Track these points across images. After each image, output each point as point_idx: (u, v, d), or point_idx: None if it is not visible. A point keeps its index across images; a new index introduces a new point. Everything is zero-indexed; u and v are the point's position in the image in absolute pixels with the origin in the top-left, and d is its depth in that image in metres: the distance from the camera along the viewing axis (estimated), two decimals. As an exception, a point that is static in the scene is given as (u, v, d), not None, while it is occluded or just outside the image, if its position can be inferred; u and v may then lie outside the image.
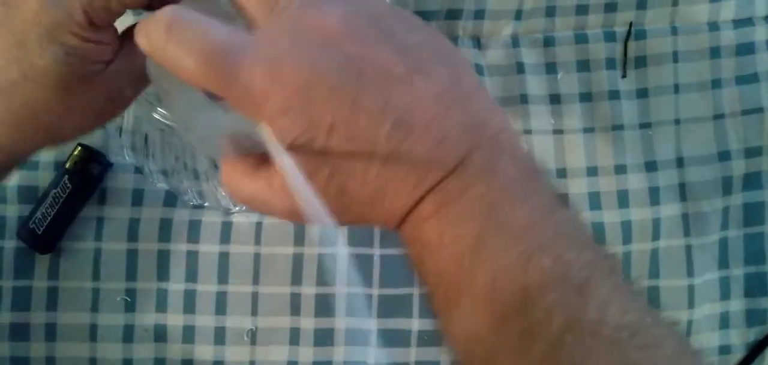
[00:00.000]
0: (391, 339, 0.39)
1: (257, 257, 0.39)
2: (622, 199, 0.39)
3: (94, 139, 0.39)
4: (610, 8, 0.40)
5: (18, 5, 0.25)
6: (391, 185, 0.22)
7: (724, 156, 0.39)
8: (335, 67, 0.21)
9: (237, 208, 0.39)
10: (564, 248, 0.21)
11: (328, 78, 0.21)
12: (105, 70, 0.27)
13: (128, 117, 0.37)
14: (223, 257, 0.39)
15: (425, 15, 0.40)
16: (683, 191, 0.39)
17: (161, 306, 0.39)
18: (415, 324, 0.39)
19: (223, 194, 0.38)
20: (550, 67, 0.40)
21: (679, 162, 0.39)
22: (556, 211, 0.22)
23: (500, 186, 0.21)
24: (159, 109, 0.34)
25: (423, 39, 0.23)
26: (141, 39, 0.21)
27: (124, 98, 0.28)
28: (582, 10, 0.40)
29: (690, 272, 0.39)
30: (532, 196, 0.22)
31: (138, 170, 0.39)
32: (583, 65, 0.40)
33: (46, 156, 0.39)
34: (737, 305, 0.39)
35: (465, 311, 0.21)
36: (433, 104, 0.21)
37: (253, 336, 0.39)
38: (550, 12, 0.40)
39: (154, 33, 0.21)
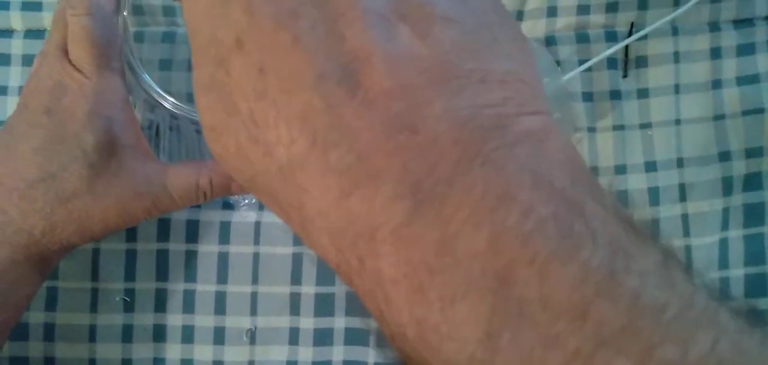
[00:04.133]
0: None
1: (256, 256, 0.39)
2: (622, 199, 0.39)
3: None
4: (612, 8, 0.40)
5: (64, 110, 0.30)
6: (310, 176, 0.14)
7: (724, 157, 0.39)
8: None
9: (245, 202, 0.39)
10: (691, 331, 0.13)
11: None
12: (131, 166, 0.31)
13: (137, 107, 0.36)
14: (222, 257, 0.39)
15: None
16: (683, 192, 0.39)
17: (160, 306, 0.38)
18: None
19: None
20: (551, 67, 0.40)
21: (680, 162, 0.39)
22: (670, 268, 0.14)
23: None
24: (170, 98, 0.34)
25: None
26: None
27: (149, 205, 0.32)
28: (583, 10, 0.40)
29: (690, 273, 0.39)
30: (638, 254, 0.13)
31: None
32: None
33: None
34: (737, 305, 0.39)
35: None
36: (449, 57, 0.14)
37: (252, 336, 0.39)
38: (552, 12, 0.40)
39: None
